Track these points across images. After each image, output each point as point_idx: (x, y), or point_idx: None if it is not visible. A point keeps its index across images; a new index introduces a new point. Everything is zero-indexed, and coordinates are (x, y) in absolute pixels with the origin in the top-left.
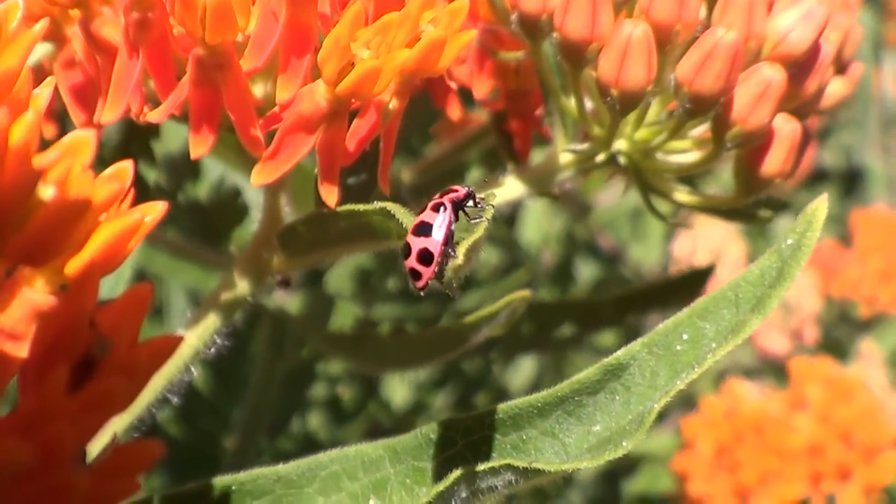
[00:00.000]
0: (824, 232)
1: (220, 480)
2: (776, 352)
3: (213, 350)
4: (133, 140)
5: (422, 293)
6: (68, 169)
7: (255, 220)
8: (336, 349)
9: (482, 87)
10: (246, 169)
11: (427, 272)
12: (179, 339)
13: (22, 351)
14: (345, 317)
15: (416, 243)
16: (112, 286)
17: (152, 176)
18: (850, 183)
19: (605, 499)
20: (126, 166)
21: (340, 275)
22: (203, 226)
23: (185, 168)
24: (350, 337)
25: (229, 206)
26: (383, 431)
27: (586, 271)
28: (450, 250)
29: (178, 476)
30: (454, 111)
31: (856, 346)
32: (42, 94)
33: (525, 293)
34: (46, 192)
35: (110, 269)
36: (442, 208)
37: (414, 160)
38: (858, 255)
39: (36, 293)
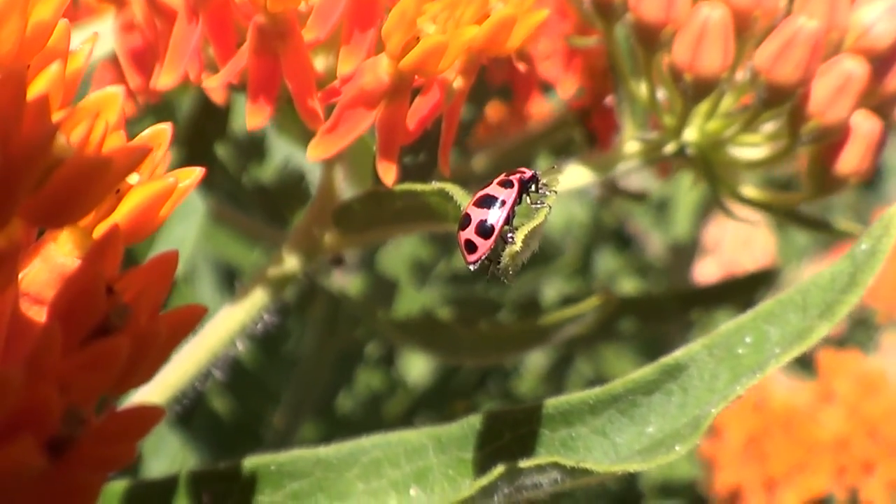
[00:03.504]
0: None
1: (259, 459)
2: None
3: (259, 326)
4: (207, 118)
5: (472, 268)
6: (91, 126)
7: None
8: (407, 337)
9: (569, 86)
10: (308, 145)
11: (483, 246)
12: (204, 310)
13: (44, 315)
14: (410, 303)
15: (477, 214)
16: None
17: (222, 155)
18: (872, 178)
19: (623, 485)
20: (163, 129)
21: (393, 256)
22: (266, 207)
23: (251, 149)
24: (424, 326)
25: (293, 189)
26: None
27: (611, 258)
28: (509, 230)
29: (220, 451)
30: (537, 108)
31: (877, 339)
32: (81, 51)
33: (601, 298)
34: (67, 149)
35: (142, 236)
36: (508, 185)
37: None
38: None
39: (63, 256)
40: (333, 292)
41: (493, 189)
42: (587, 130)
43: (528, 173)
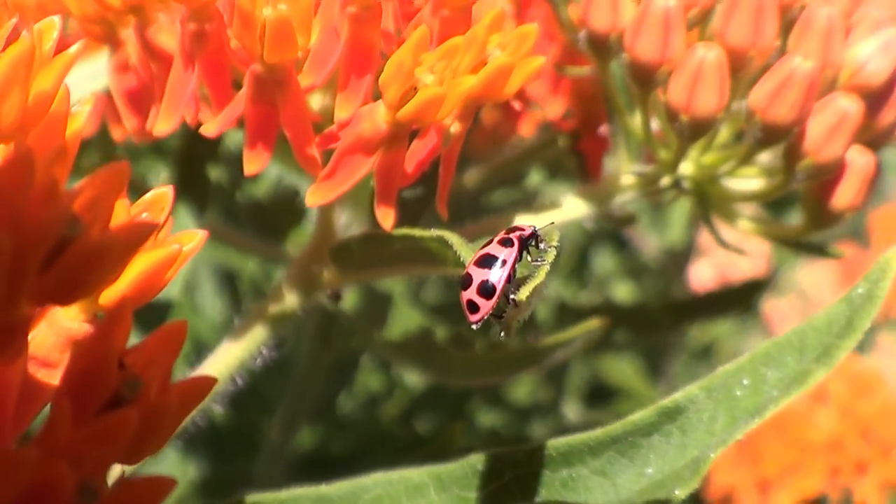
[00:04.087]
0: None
1: (261, 497)
2: None
3: (259, 361)
4: (198, 139)
5: (475, 327)
6: (99, 205)
7: (311, 220)
8: (401, 357)
9: (556, 108)
10: (303, 172)
11: (486, 306)
12: (213, 381)
13: (54, 379)
14: (405, 321)
15: (479, 275)
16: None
17: (215, 174)
18: None
19: None
20: (164, 193)
21: None
22: (260, 224)
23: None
24: (417, 347)
25: (287, 206)
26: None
27: (607, 260)
28: (510, 288)
29: (218, 460)
30: (526, 129)
31: (872, 338)
32: (81, 112)
33: (597, 322)
34: (75, 228)
35: (146, 299)
36: (508, 243)
37: None
38: (875, 255)
39: (70, 321)
40: (328, 307)
41: (494, 248)
42: (577, 154)
43: (528, 230)
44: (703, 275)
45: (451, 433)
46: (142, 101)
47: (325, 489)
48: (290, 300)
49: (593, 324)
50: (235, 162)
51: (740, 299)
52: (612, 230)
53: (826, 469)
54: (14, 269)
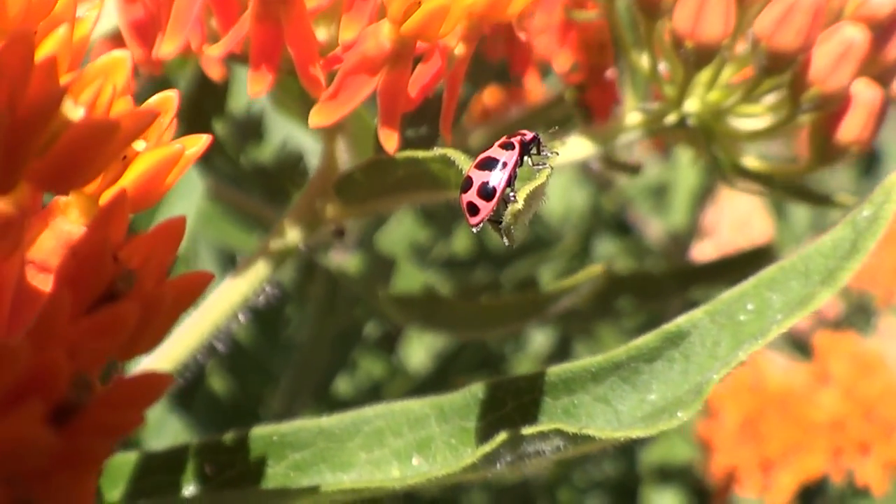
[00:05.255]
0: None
1: (262, 430)
2: (797, 325)
3: (262, 298)
4: (206, 95)
5: (475, 230)
6: (99, 90)
7: None
8: (406, 313)
9: (564, 60)
10: (308, 122)
11: (486, 208)
12: (210, 277)
13: (49, 282)
14: (409, 280)
15: (479, 177)
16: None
17: (220, 134)
18: (869, 163)
19: (622, 468)
20: (170, 96)
21: (391, 238)
22: (265, 187)
23: (250, 130)
24: (422, 301)
25: (292, 169)
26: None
27: (610, 244)
28: (511, 191)
29: (220, 431)
30: (532, 82)
31: (873, 323)
32: (88, 17)
33: (600, 267)
34: (75, 112)
35: (148, 203)
36: (509, 147)
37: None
38: (876, 246)
39: (70, 223)
40: (332, 270)
41: (495, 151)
42: (584, 105)
43: (529, 135)
44: (705, 256)
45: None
46: (149, 32)
47: (325, 421)
48: (293, 236)
49: (597, 269)
50: (240, 126)
51: (744, 267)
52: (615, 214)
53: (828, 449)
54: (12, 148)
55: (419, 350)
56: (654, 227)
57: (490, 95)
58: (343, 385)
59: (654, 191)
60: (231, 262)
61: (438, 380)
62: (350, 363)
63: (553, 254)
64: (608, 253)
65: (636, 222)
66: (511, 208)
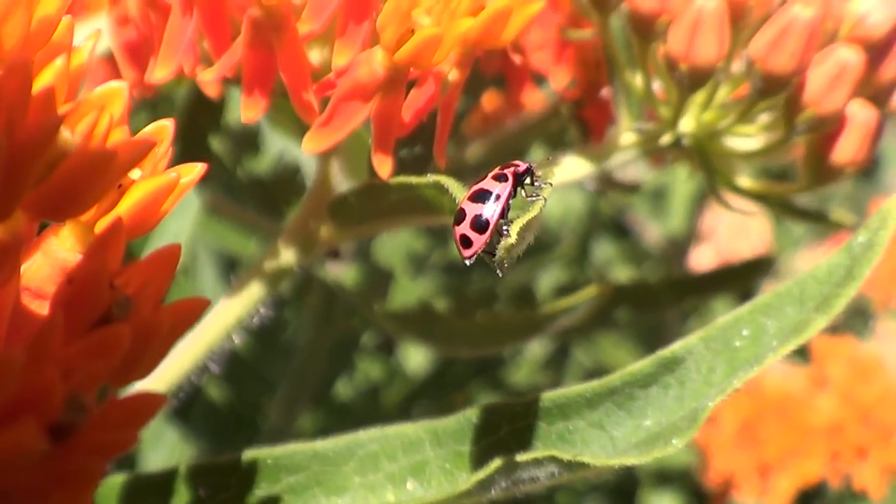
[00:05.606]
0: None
1: (256, 453)
2: None
3: (256, 320)
4: (202, 111)
5: (468, 263)
6: (96, 120)
7: None
8: (402, 328)
9: (560, 77)
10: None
11: (479, 241)
12: (206, 303)
13: (47, 311)
14: (406, 294)
15: (472, 209)
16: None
17: (217, 149)
18: (868, 168)
19: (620, 474)
20: (165, 125)
21: (388, 248)
22: (262, 199)
23: (246, 142)
24: (419, 317)
25: (288, 182)
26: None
27: (608, 247)
28: (504, 224)
29: (218, 442)
30: (530, 98)
31: (871, 327)
32: (85, 47)
33: (598, 288)
34: (72, 142)
35: (143, 231)
36: (502, 178)
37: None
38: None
39: (66, 251)
40: (329, 283)
41: (488, 183)
42: (580, 122)
43: (523, 166)
44: (703, 261)
45: (452, 403)
46: (141, 54)
47: (320, 445)
48: (288, 258)
49: (594, 290)
50: (237, 138)
51: (742, 277)
52: (613, 218)
53: (826, 454)
54: (9, 177)
55: (418, 352)
56: (653, 231)
57: (488, 101)
58: (342, 388)
59: (653, 195)
60: (232, 269)
61: (437, 383)
62: (348, 365)
63: (551, 258)
64: (606, 257)
65: (634, 226)
66: (504, 242)
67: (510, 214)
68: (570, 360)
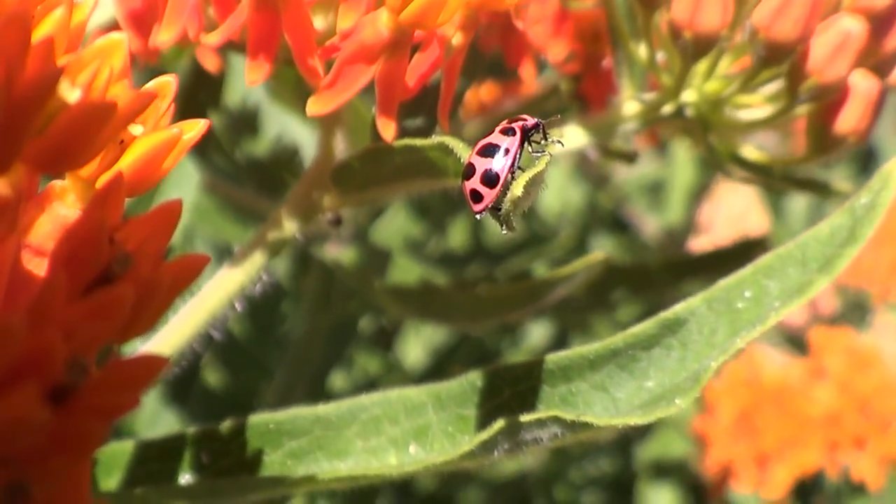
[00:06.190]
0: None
1: (258, 418)
2: (792, 321)
3: (258, 287)
4: (201, 87)
5: (478, 217)
6: (96, 72)
7: None
8: (402, 304)
9: (558, 50)
10: (304, 114)
11: (489, 195)
12: (206, 259)
13: (45, 267)
14: (404, 273)
15: (481, 164)
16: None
17: (216, 127)
18: (866, 161)
19: (618, 464)
20: (168, 80)
21: (385, 233)
22: (260, 181)
23: (245, 123)
24: (417, 292)
25: (287, 163)
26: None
27: (606, 241)
28: (513, 178)
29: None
30: (528, 72)
31: (869, 320)
32: (85, 3)
33: (601, 255)
34: (72, 94)
35: (144, 188)
36: (510, 132)
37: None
38: (872, 243)
39: (66, 207)
40: (327, 263)
41: (496, 137)
42: (579, 96)
43: (531, 121)
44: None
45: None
46: (146, 22)
47: (322, 409)
48: (290, 226)
49: (595, 256)
50: (235, 120)
51: (739, 257)
52: (611, 211)
53: (824, 444)
54: (8, 129)
55: (415, 346)
56: (651, 224)
57: (486, 90)
58: (339, 381)
59: (651, 187)
60: (226, 255)
61: (435, 376)
62: (346, 359)
63: (549, 250)
64: (605, 250)
65: (633, 219)
66: (510, 195)
67: (517, 171)
68: (569, 349)
